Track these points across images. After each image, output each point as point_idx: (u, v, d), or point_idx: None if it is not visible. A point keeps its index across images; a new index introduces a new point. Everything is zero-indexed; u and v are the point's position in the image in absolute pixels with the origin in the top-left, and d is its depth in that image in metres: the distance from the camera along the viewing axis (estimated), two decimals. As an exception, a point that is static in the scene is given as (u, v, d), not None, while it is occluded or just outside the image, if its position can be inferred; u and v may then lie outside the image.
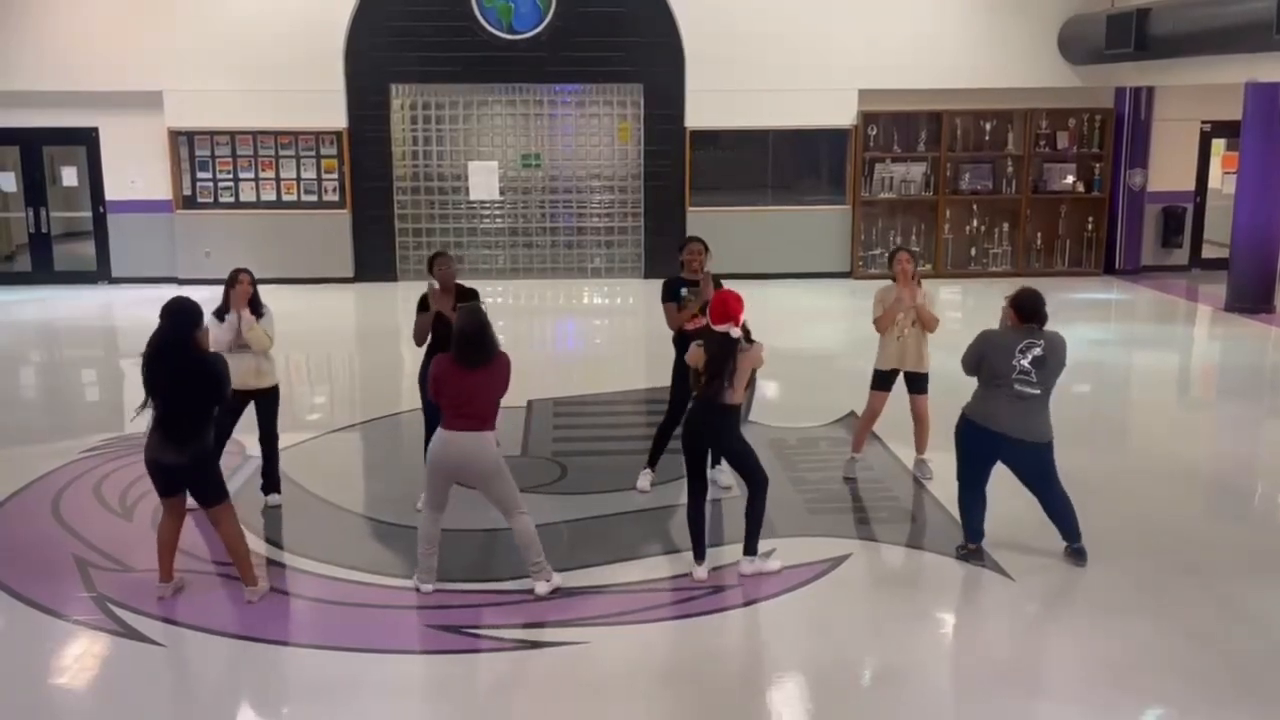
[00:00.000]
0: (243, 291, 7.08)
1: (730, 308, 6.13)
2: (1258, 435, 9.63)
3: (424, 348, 7.34)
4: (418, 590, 6.13)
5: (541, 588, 6.08)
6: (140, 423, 5.97)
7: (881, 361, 7.78)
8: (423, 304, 7.29)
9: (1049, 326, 6.31)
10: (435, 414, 7.23)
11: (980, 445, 6.34)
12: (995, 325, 6.53)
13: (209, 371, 5.86)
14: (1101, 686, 5.22)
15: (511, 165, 16.30)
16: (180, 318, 5.84)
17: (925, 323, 7.58)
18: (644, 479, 7.74)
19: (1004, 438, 6.23)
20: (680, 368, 7.38)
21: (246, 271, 7.21)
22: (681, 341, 7.32)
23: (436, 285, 7.20)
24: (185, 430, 5.82)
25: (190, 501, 6.26)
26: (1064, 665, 5.48)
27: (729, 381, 6.12)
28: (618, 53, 15.74)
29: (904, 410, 7.85)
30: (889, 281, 7.79)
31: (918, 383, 7.75)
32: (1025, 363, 6.15)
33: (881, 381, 7.80)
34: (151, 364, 5.78)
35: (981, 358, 6.33)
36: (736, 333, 6.14)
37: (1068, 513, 6.45)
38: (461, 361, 5.97)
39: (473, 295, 7.23)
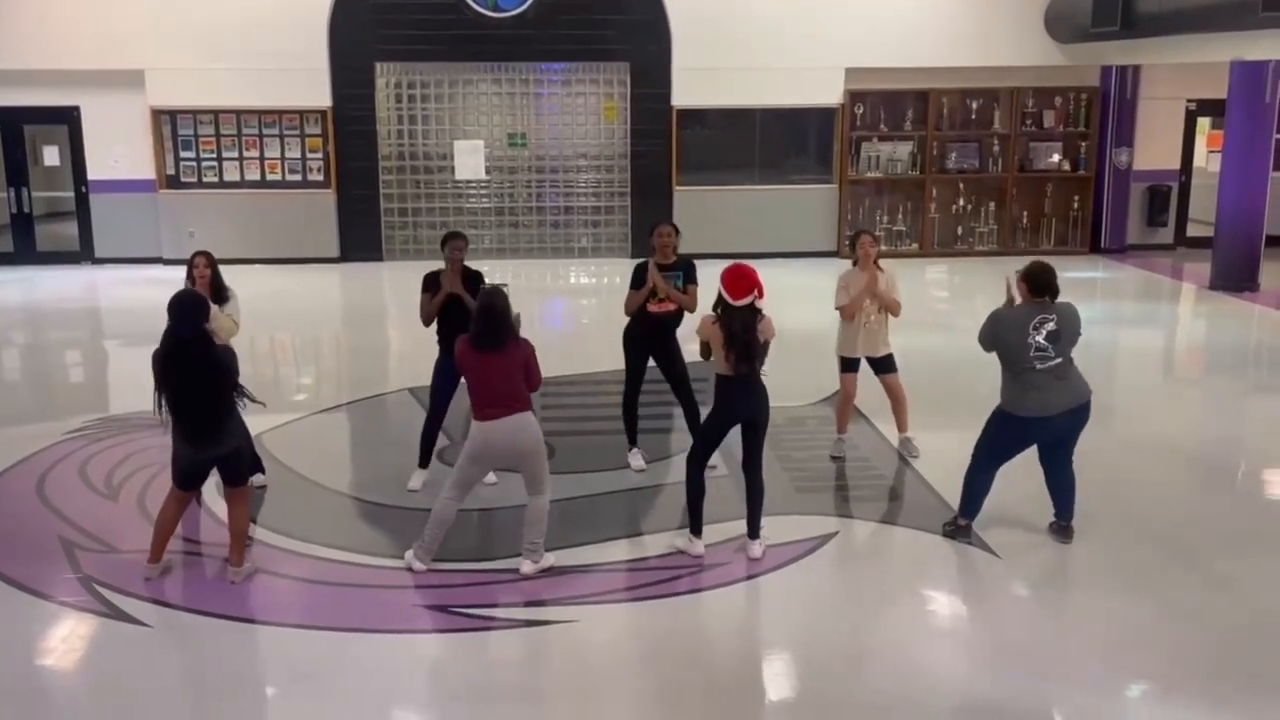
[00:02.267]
0: (198, 277, 6.93)
1: (751, 279, 6.01)
2: (1242, 412, 9.69)
3: (433, 328, 7.23)
4: (410, 569, 6.13)
5: (527, 567, 6.09)
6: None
7: (844, 348, 7.78)
8: (428, 284, 7.19)
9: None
10: (440, 401, 7.22)
11: (1025, 435, 6.28)
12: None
13: (222, 363, 5.85)
14: (1088, 662, 5.26)
15: (497, 144, 16.22)
16: (192, 313, 5.78)
17: (890, 309, 7.59)
18: (637, 458, 7.74)
19: (1045, 420, 6.17)
20: (631, 336, 7.48)
21: (204, 255, 7.05)
22: (637, 315, 7.40)
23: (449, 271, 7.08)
24: (223, 419, 5.85)
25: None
26: (1051, 641, 5.51)
27: (759, 356, 6.06)
28: (604, 31, 15.66)
29: (880, 392, 7.88)
30: (850, 265, 7.77)
31: (885, 364, 7.76)
32: (1040, 339, 6.10)
33: (849, 365, 7.82)
34: (168, 363, 5.74)
35: (996, 338, 6.27)
36: (761, 303, 6.05)
37: (1071, 489, 6.46)
38: (476, 344, 5.98)
39: (477, 278, 7.20)
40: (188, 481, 6.06)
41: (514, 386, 5.99)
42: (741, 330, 6.01)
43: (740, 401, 6.16)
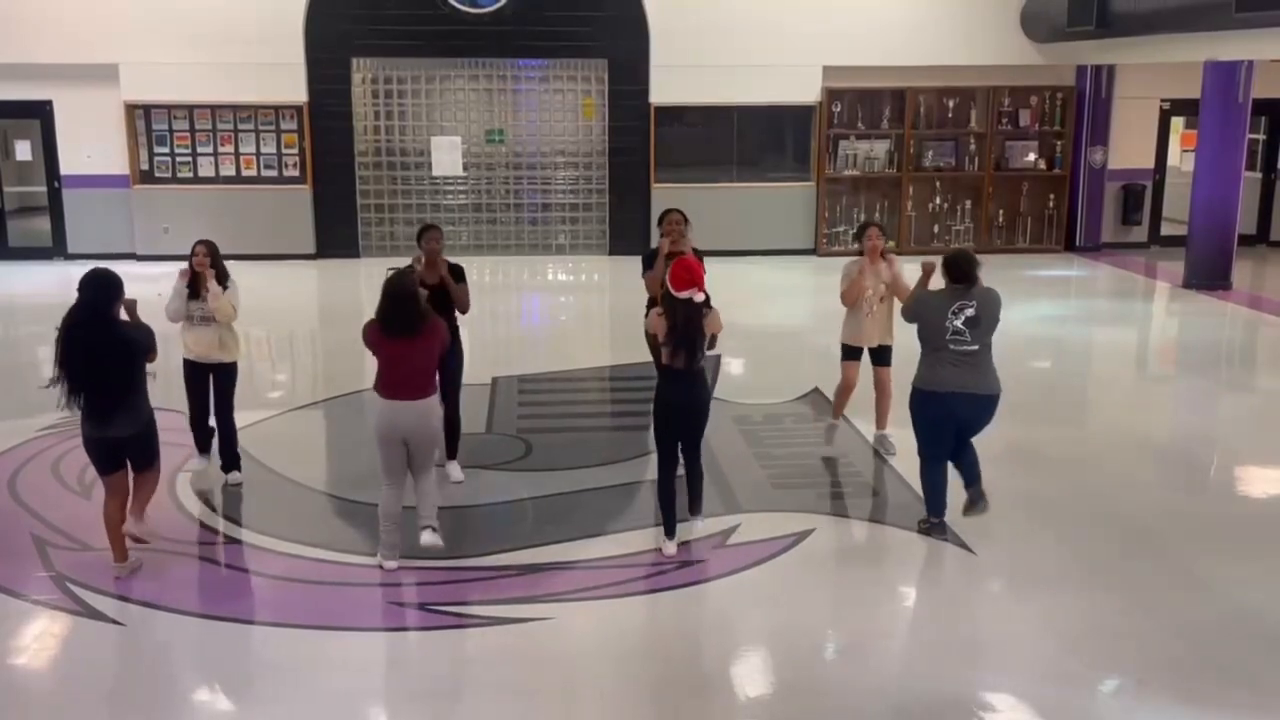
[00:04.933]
0: (197, 264, 6.96)
1: (695, 273, 6.09)
2: (1213, 409, 9.78)
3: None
4: (381, 568, 6.11)
5: (429, 537, 6.09)
6: (52, 396, 5.85)
7: (848, 337, 7.82)
8: None
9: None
10: None
11: (936, 411, 6.40)
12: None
13: (129, 342, 5.79)
14: (1061, 657, 5.30)
15: (475, 141, 16.17)
16: (99, 291, 5.76)
17: (900, 295, 7.62)
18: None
19: (955, 396, 6.30)
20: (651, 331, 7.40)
21: (203, 243, 7.08)
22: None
23: (423, 261, 7.04)
24: (128, 398, 5.77)
25: None
26: (1024, 636, 5.55)
27: (701, 350, 6.11)
28: (582, 28, 15.63)
29: (865, 384, 7.91)
30: (856, 256, 7.82)
31: (882, 355, 7.81)
32: (958, 324, 6.26)
33: (851, 353, 7.85)
34: (69, 337, 5.69)
35: (916, 315, 6.47)
36: (700, 298, 6.12)
37: (974, 460, 6.52)
38: (385, 330, 5.98)
39: (458, 272, 7.19)
40: (104, 464, 5.95)
41: (423, 372, 6.02)
42: (684, 323, 6.07)
43: (680, 393, 6.23)
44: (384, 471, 6.13)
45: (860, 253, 7.77)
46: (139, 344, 5.84)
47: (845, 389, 7.94)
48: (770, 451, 8.11)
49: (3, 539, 6.50)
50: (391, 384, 5.98)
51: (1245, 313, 13.14)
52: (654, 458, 7.62)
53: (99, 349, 5.69)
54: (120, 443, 5.85)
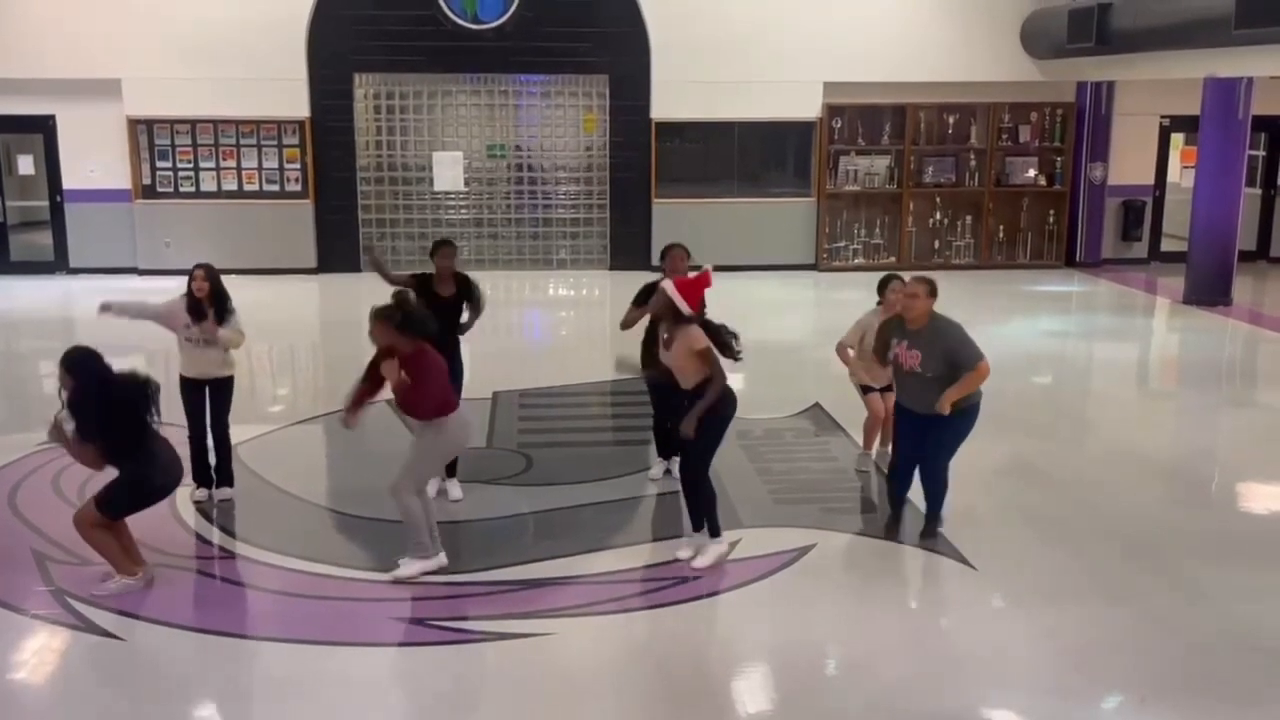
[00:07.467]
0: (196, 290, 6.93)
1: (696, 285, 6.17)
2: (1215, 424, 9.77)
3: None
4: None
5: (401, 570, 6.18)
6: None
7: (855, 379, 7.79)
8: (418, 290, 7.21)
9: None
10: None
11: (899, 414, 6.78)
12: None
13: (128, 402, 5.93)
14: (1063, 672, 5.29)
15: (476, 156, 16.21)
16: (89, 365, 6.01)
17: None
18: (657, 468, 7.77)
19: (904, 408, 6.65)
20: (645, 356, 7.38)
21: (203, 267, 7.02)
22: (648, 340, 7.29)
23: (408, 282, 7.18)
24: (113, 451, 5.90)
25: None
26: (1026, 651, 5.53)
27: (665, 344, 6.20)
28: (584, 43, 15.68)
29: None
30: (875, 306, 7.59)
31: (888, 386, 7.78)
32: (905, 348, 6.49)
33: (867, 388, 7.80)
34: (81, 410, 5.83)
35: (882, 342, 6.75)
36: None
37: (941, 493, 6.66)
38: (435, 344, 6.24)
39: (467, 282, 7.28)
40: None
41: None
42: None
43: (670, 411, 6.46)
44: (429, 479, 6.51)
45: (878, 302, 7.56)
46: (133, 404, 5.93)
47: (874, 422, 7.86)
48: (771, 466, 8.10)
49: (2, 553, 6.49)
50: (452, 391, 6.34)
51: (1245, 329, 13.15)
52: (651, 473, 7.70)
53: (104, 413, 5.85)
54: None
